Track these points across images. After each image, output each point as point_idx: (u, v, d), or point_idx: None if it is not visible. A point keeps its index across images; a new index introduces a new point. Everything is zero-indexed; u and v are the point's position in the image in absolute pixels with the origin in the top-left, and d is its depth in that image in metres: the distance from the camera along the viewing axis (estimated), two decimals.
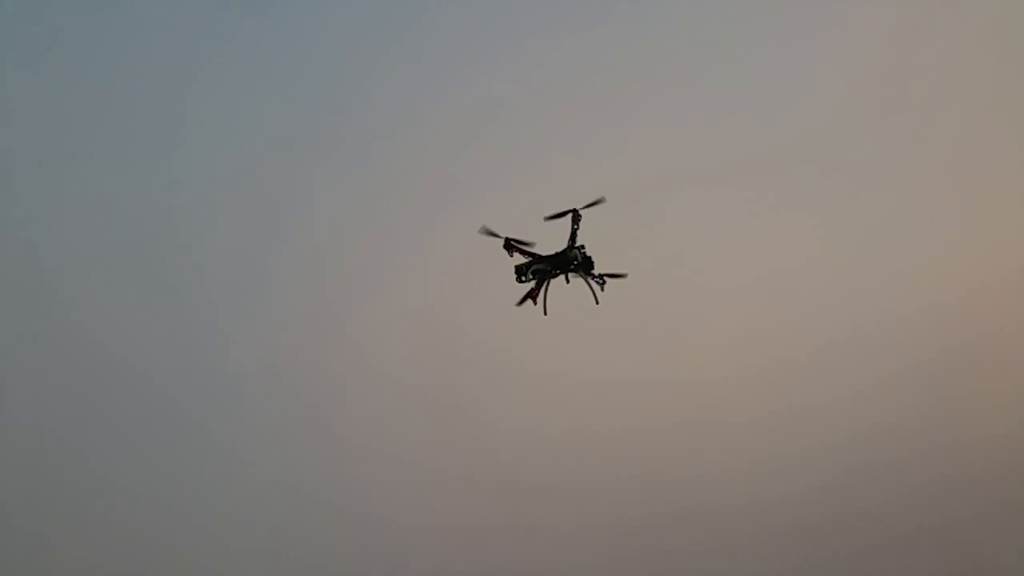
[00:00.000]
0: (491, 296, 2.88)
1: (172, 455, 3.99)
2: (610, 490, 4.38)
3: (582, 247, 2.62)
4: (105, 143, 3.56)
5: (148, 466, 3.98)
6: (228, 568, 4.16)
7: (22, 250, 3.62)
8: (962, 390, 4.44)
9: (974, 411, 4.48)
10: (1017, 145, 4.06)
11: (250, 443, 4.03)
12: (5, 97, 3.46)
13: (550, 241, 2.65)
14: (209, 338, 3.86)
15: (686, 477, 4.41)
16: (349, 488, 4.17)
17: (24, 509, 3.91)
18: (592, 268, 2.63)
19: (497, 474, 4.25)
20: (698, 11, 3.73)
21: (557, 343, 4.04)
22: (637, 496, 4.41)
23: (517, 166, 3.80)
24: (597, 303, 2.68)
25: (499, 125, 3.75)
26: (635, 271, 2.78)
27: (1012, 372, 4.43)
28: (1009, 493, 4.59)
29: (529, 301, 2.72)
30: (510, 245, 2.60)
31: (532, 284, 2.69)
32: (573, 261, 2.59)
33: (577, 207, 2.58)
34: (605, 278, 2.66)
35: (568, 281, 2.66)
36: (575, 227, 2.59)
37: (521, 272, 2.65)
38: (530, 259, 2.63)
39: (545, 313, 2.67)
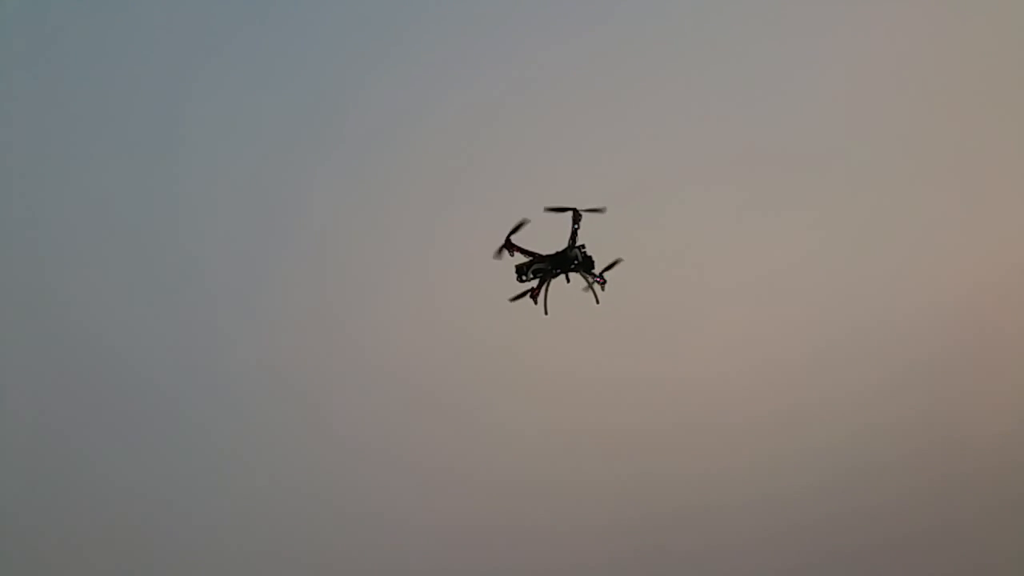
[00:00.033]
0: (492, 296, 2.88)
1: (172, 454, 3.99)
2: (610, 489, 4.39)
3: (583, 247, 2.62)
4: (105, 142, 3.56)
5: (148, 465, 3.98)
6: (228, 567, 4.16)
7: (22, 249, 3.62)
8: (962, 389, 4.44)
9: (974, 410, 4.48)
10: (1017, 145, 4.06)
11: (250, 442, 4.03)
12: (5, 96, 3.46)
13: (550, 241, 2.65)
14: (209, 337, 3.86)
15: (686, 477, 4.41)
16: (349, 487, 4.17)
17: (24, 509, 3.91)
18: (593, 268, 2.63)
19: (497, 473, 4.26)
20: (698, 11, 3.73)
21: (557, 342, 4.04)
22: (637, 495, 4.41)
23: (517, 166, 3.80)
24: (598, 303, 2.68)
25: (499, 125, 3.75)
26: (635, 271, 2.78)
27: (1012, 372, 4.43)
28: (1009, 493, 4.59)
29: (525, 298, 2.72)
30: (511, 245, 2.60)
31: (532, 284, 2.69)
32: (574, 261, 2.59)
33: (579, 207, 2.58)
34: (606, 277, 2.66)
35: (568, 280, 2.66)
36: (575, 227, 2.59)
37: (522, 272, 2.65)
38: (530, 259, 2.63)
39: (546, 313, 2.67)
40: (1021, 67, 3.93)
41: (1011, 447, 4.52)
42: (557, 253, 2.63)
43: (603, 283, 2.67)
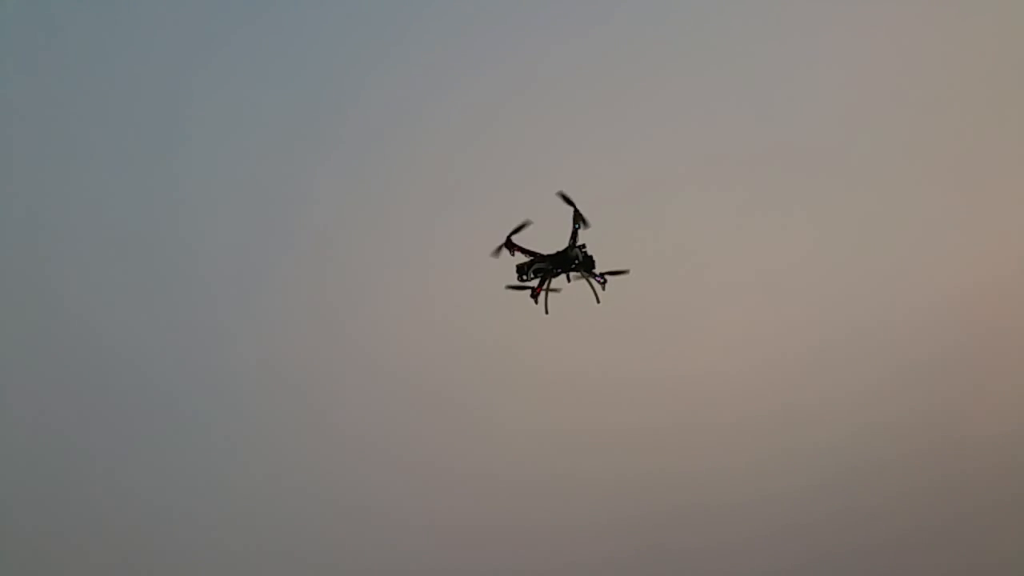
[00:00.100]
0: (492, 295, 2.88)
1: (172, 453, 3.99)
2: (609, 488, 4.39)
3: (583, 246, 2.62)
4: (105, 141, 3.56)
5: (148, 464, 3.98)
6: (229, 567, 4.16)
7: (21, 249, 3.62)
8: (962, 389, 4.45)
9: (974, 410, 4.48)
10: (1017, 145, 4.07)
11: (251, 441, 4.03)
12: (5, 96, 3.46)
13: (551, 240, 2.66)
14: (209, 336, 3.86)
15: (686, 475, 4.41)
16: (349, 486, 4.18)
17: (24, 508, 3.91)
18: (593, 267, 2.63)
19: (497, 473, 4.26)
20: (698, 11, 3.73)
21: (557, 341, 4.05)
22: (637, 494, 4.41)
23: (517, 166, 3.80)
24: (598, 302, 2.68)
25: (499, 125, 3.75)
26: (635, 270, 2.79)
27: (1012, 372, 4.44)
28: (1009, 492, 4.59)
29: (525, 298, 2.72)
30: (511, 244, 2.60)
31: (532, 283, 2.69)
32: (574, 260, 2.60)
33: (579, 208, 2.58)
34: (606, 277, 2.66)
35: (569, 280, 2.66)
36: (576, 226, 2.59)
37: (522, 271, 2.65)
38: (531, 258, 2.63)
39: (547, 312, 2.67)
40: (1021, 67, 3.93)
41: (1011, 447, 4.52)
42: (558, 253, 2.63)
43: (604, 283, 2.67)
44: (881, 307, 4.25)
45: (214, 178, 3.66)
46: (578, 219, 2.57)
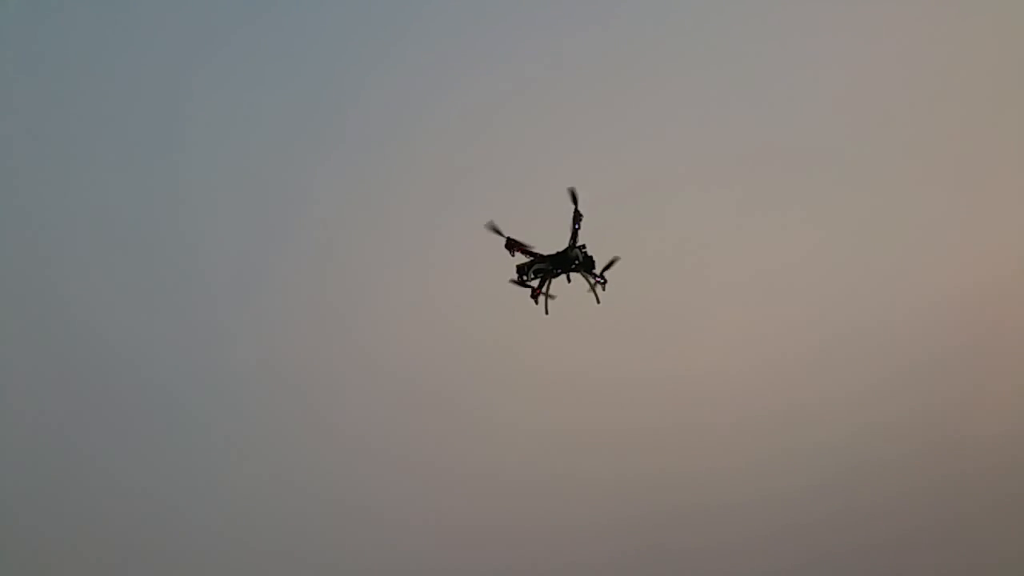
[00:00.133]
0: (493, 294, 2.88)
1: (172, 453, 3.99)
2: (609, 488, 4.39)
3: (583, 246, 2.62)
4: (105, 142, 3.56)
5: (148, 464, 3.98)
6: (229, 566, 4.16)
7: (22, 249, 3.62)
8: (962, 389, 4.45)
9: (974, 410, 4.49)
10: (1017, 145, 4.07)
11: (251, 441, 4.03)
12: (5, 96, 3.46)
13: (551, 241, 2.66)
14: (210, 336, 3.86)
15: (686, 475, 4.42)
16: (349, 486, 4.18)
17: (24, 507, 3.91)
18: (593, 267, 2.63)
19: (497, 473, 4.26)
20: (698, 11, 3.73)
21: (557, 341, 4.05)
22: (637, 494, 4.42)
23: (517, 166, 3.80)
24: (599, 303, 2.68)
25: (500, 124, 3.75)
26: (635, 270, 2.79)
27: (1012, 372, 4.44)
28: (1009, 492, 4.60)
29: (525, 298, 2.72)
30: (511, 244, 2.60)
31: (532, 284, 2.69)
32: (575, 261, 2.60)
33: (575, 208, 2.58)
34: (607, 277, 2.66)
35: (569, 280, 2.67)
36: (576, 227, 2.59)
37: (522, 272, 2.65)
38: (531, 259, 2.63)
39: (547, 312, 2.67)
40: (1021, 67, 3.93)
41: (1011, 447, 4.53)
42: (558, 253, 2.63)
43: (604, 283, 2.67)
44: (881, 307, 4.25)
45: (214, 178, 3.66)
46: (577, 219, 2.57)
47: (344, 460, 4.12)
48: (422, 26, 3.63)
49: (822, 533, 4.56)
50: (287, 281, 3.84)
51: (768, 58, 3.83)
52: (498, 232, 2.56)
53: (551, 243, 2.67)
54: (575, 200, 2.56)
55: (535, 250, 2.63)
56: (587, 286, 2.68)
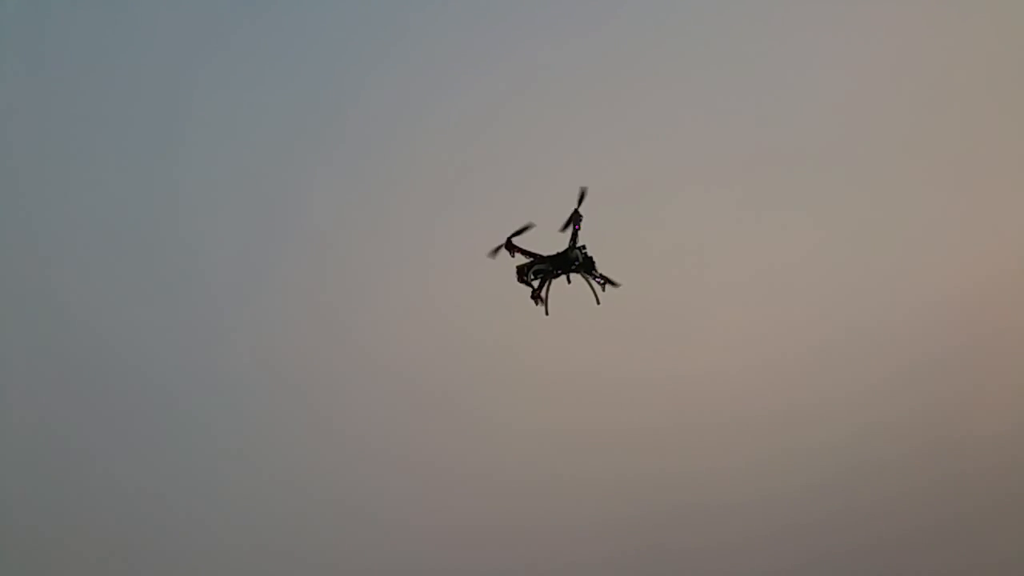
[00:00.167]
0: (492, 295, 2.89)
1: (172, 453, 3.99)
2: (609, 488, 4.39)
3: (583, 247, 2.62)
4: (106, 141, 3.56)
5: (148, 463, 3.98)
6: (228, 566, 4.16)
7: (22, 249, 3.62)
8: (962, 388, 4.45)
9: (974, 409, 4.48)
10: (1017, 145, 4.06)
11: (251, 441, 4.03)
12: (6, 96, 3.46)
13: (551, 242, 2.66)
14: (210, 336, 3.86)
15: (686, 475, 4.41)
16: (349, 486, 4.18)
17: (24, 507, 3.91)
18: (593, 268, 2.63)
19: (497, 473, 4.26)
20: (698, 12, 3.73)
21: (557, 342, 4.04)
22: (637, 494, 4.41)
23: (518, 165, 3.80)
24: (598, 303, 2.68)
25: (500, 125, 3.75)
26: (635, 270, 2.79)
27: (1011, 370, 4.44)
28: (1009, 492, 4.59)
29: (525, 298, 2.72)
30: (512, 246, 2.60)
31: (531, 286, 2.69)
32: (574, 261, 2.60)
33: (575, 208, 2.58)
34: (606, 278, 2.66)
35: (569, 281, 2.67)
36: (576, 228, 2.59)
37: (523, 273, 2.65)
38: (532, 260, 2.63)
39: (547, 313, 2.67)
40: (1021, 67, 3.93)
41: (1011, 447, 4.52)
42: (558, 254, 2.63)
43: (603, 284, 2.67)
44: (881, 307, 4.25)
45: (214, 178, 3.66)
46: (577, 219, 2.57)
47: (344, 460, 4.12)
48: (422, 26, 3.63)
49: (822, 533, 4.56)
50: (287, 281, 3.84)
51: (768, 58, 3.83)
52: (510, 250, 2.56)
53: (551, 243, 2.68)
54: (581, 200, 2.56)
55: (535, 251, 2.63)
56: (587, 286, 2.68)
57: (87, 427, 3.87)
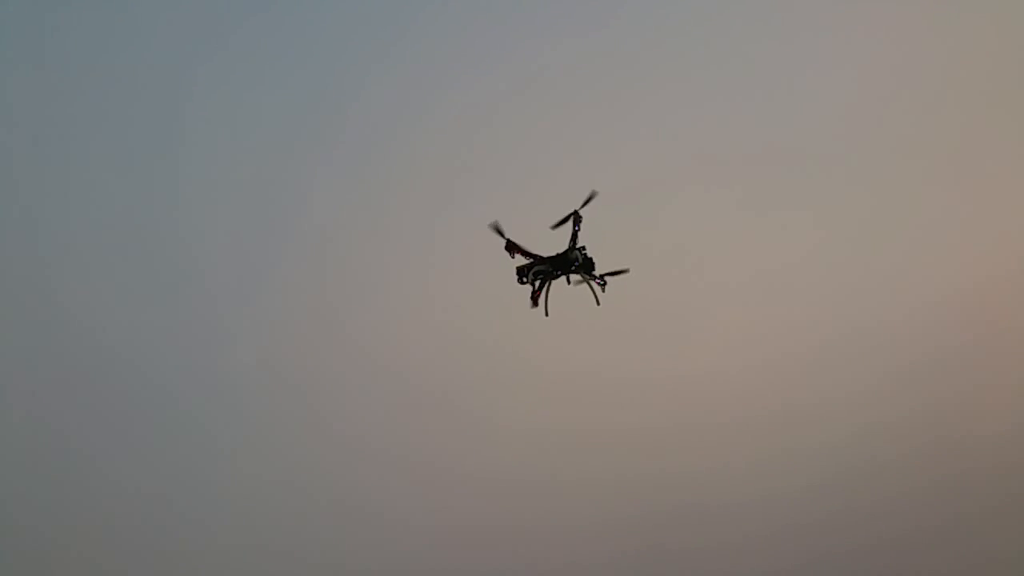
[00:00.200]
0: (492, 295, 2.89)
1: (172, 453, 3.99)
2: (609, 488, 4.39)
3: (583, 248, 2.62)
4: (106, 141, 3.56)
5: (147, 463, 3.98)
6: (229, 566, 4.16)
7: (22, 249, 3.62)
8: (962, 388, 4.44)
9: (974, 409, 4.48)
10: (1016, 144, 4.06)
11: (251, 442, 4.03)
12: (6, 96, 3.46)
13: (551, 243, 2.65)
14: (210, 337, 3.86)
15: (686, 475, 4.41)
16: (349, 486, 4.18)
17: (24, 508, 3.91)
18: (593, 269, 2.63)
19: (497, 473, 4.26)
20: (699, 12, 3.73)
21: (557, 341, 4.04)
22: (637, 494, 4.41)
23: (517, 165, 3.80)
24: (598, 304, 2.68)
25: (499, 125, 3.75)
26: (635, 270, 2.78)
27: (1011, 370, 4.44)
28: (1009, 492, 4.59)
29: (525, 298, 2.72)
30: (512, 247, 2.60)
31: (532, 286, 2.69)
32: (574, 262, 2.59)
33: (575, 208, 2.58)
34: (607, 278, 2.66)
35: (569, 282, 2.66)
36: (576, 228, 2.59)
37: (522, 274, 2.65)
38: (531, 260, 2.62)
39: (546, 315, 2.67)
40: (1021, 67, 3.92)
41: (1011, 447, 4.52)
42: (558, 255, 2.63)
43: (604, 285, 2.67)
44: (881, 307, 4.25)
45: (214, 178, 3.66)
46: (578, 221, 2.57)
47: (344, 460, 4.12)
48: (422, 26, 3.63)
49: (822, 533, 4.56)
50: (287, 281, 3.84)
51: (769, 58, 3.83)
52: (501, 233, 2.56)
53: (551, 244, 2.67)
54: (587, 202, 2.56)
55: (535, 252, 2.63)
56: (587, 287, 2.68)
57: (86, 427, 3.87)
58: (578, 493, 4.37)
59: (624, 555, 4.47)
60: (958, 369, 4.41)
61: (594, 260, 2.62)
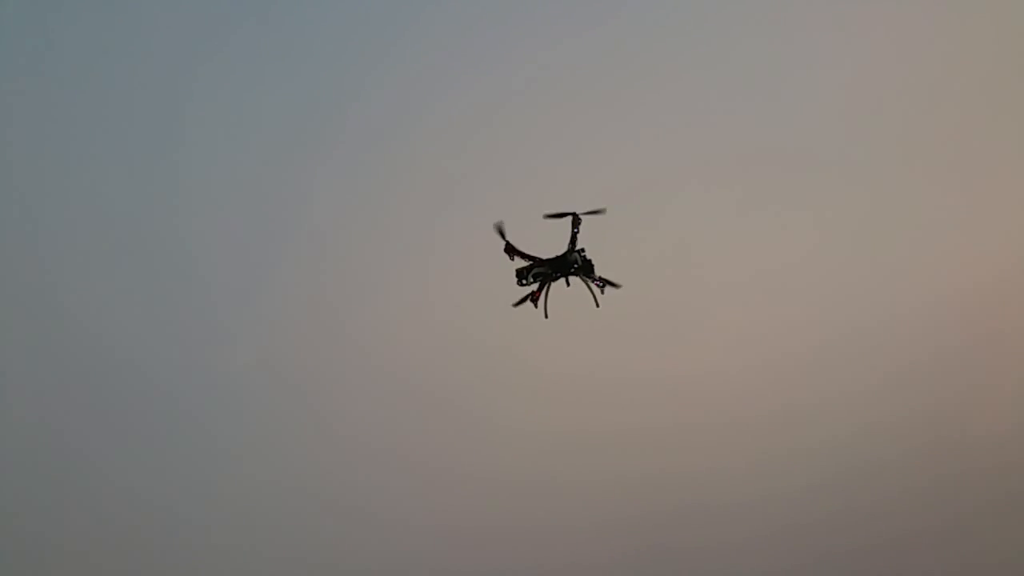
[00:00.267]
0: (491, 295, 2.88)
1: (171, 453, 3.99)
2: (610, 488, 4.39)
3: (582, 250, 2.62)
4: (106, 142, 3.56)
5: (147, 464, 3.99)
6: (229, 566, 4.17)
7: (22, 249, 3.62)
8: (962, 388, 4.45)
9: (974, 409, 4.48)
10: (1016, 144, 4.06)
11: (251, 442, 4.03)
12: (6, 96, 3.46)
13: (551, 244, 2.65)
14: (210, 337, 3.86)
15: (686, 475, 4.42)
16: (349, 486, 4.18)
17: (24, 508, 3.91)
18: (593, 271, 2.63)
19: (497, 473, 4.26)
20: (698, 12, 3.73)
21: (557, 342, 4.05)
22: (637, 494, 4.42)
23: (517, 166, 3.80)
24: (598, 306, 2.68)
25: (499, 125, 3.75)
26: (635, 270, 2.79)
27: (1011, 370, 4.44)
28: (1009, 492, 4.60)
29: (527, 303, 2.72)
30: (511, 249, 2.60)
31: (532, 287, 2.69)
32: (574, 264, 2.60)
33: (578, 211, 2.58)
34: (606, 280, 2.66)
35: (568, 284, 2.67)
36: (575, 230, 2.59)
37: (522, 275, 2.65)
38: (531, 262, 2.63)
39: (546, 316, 2.67)
40: (1021, 67, 3.92)
41: (1011, 447, 4.53)
42: (557, 257, 2.63)
43: (603, 287, 2.67)
44: (881, 307, 4.25)
45: (214, 179, 3.66)
46: (577, 223, 2.57)
47: (344, 460, 4.12)
48: (422, 26, 3.63)
49: (822, 533, 4.56)
50: (287, 281, 3.84)
51: (768, 58, 3.83)
52: (503, 235, 2.56)
53: (551, 245, 2.67)
54: (592, 213, 2.56)
55: (535, 254, 2.63)
56: (587, 289, 2.68)
57: (85, 426, 3.87)
58: (578, 493, 4.38)
59: (624, 555, 4.48)
60: (958, 369, 4.41)
61: (593, 262, 2.62)
